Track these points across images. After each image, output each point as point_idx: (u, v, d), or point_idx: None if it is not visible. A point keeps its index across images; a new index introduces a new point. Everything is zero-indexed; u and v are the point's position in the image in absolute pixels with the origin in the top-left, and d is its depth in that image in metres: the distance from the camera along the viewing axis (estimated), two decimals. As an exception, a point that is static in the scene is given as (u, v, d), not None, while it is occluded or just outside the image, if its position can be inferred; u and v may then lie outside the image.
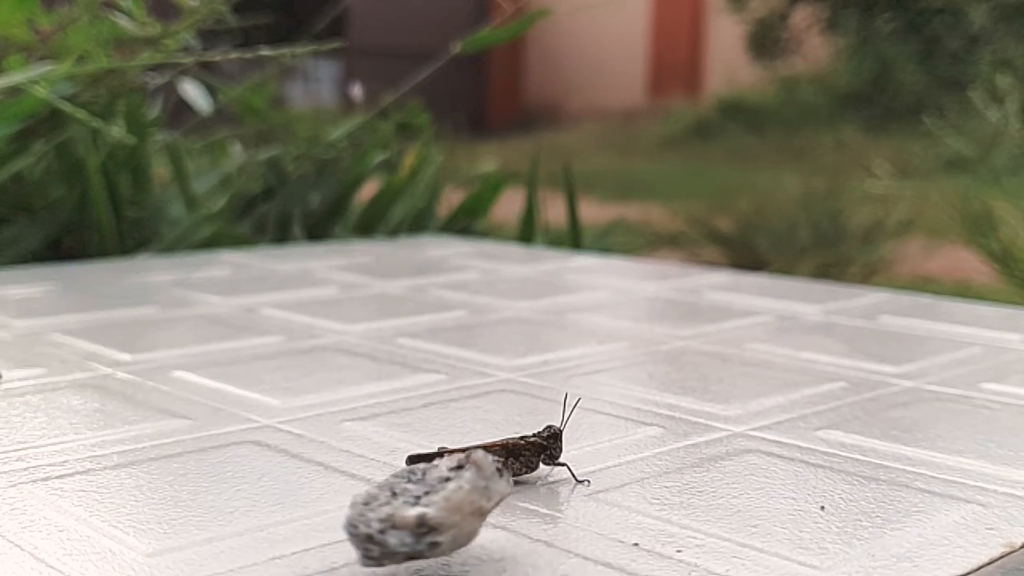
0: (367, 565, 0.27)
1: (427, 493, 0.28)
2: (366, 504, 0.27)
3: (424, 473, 0.28)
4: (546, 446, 0.34)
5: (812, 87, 4.75)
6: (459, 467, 0.28)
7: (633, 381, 0.49)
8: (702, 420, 0.43)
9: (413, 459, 0.35)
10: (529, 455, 0.34)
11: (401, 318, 0.61)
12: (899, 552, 0.30)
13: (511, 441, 0.34)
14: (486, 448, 0.34)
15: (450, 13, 5.75)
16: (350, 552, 0.30)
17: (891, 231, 1.99)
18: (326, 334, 0.57)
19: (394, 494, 0.28)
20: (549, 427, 0.35)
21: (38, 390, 0.46)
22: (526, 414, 0.43)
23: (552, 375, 0.49)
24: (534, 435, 0.34)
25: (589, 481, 0.35)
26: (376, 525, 0.27)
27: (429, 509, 0.27)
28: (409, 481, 0.28)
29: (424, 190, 1.10)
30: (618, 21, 6.22)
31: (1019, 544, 0.31)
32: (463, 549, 0.30)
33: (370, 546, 0.27)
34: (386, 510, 0.27)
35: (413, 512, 0.27)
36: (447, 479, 0.28)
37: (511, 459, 0.34)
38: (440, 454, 0.34)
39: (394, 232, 1.07)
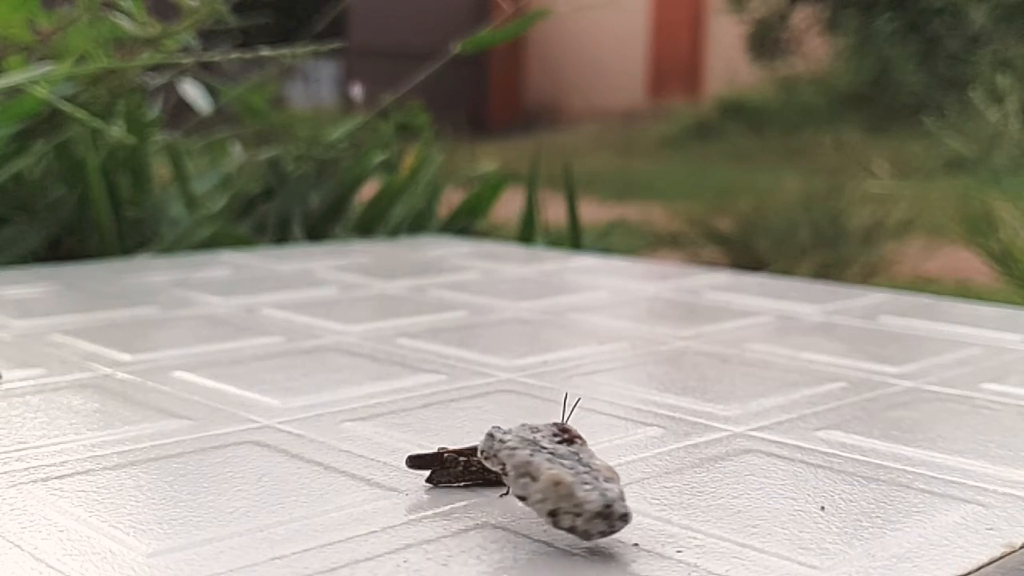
0: (592, 541, 0.29)
1: (586, 469, 0.30)
2: (590, 485, 0.29)
3: (542, 449, 0.30)
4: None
5: (812, 87, 4.75)
6: (565, 440, 0.31)
7: (633, 381, 0.49)
8: (702, 420, 0.43)
9: (414, 460, 0.35)
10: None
11: (401, 318, 0.61)
12: (899, 552, 0.30)
13: None
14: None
15: (450, 13, 5.75)
16: (350, 552, 0.30)
17: (891, 231, 1.99)
18: (326, 334, 0.57)
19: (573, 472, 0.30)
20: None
21: (38, 390, 0.46)
22: (526, 414, 0.43)
23: (552, 375, 0.49)
24: None
25: None
26: (622, 504, 0.29)
27: (618, 485, 0.30)
28: (548, 460, 0.30)
29: (424, 190, 1.10)
30: (618, 21, 6.22)
31: (1019, 544, 0.31)
32: (464, 550, 0.30)
33: (620, 523, 0.29)
34: (608, 489, 0.29)
35: (618, 488, 0.30)
36: (577, 454, 0.30)
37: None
38: (440, 454, 0.34)
39: (394, 232, 1.07)
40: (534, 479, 0.29)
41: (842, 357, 0.53)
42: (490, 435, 0.31)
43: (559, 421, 0.34)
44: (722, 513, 0.33)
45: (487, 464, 0.31)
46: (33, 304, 0.64)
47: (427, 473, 0.35)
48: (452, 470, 0.34)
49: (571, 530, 0.29)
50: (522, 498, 0.30)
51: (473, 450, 0.34)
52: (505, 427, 0.31)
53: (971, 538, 0.31)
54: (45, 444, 0.39)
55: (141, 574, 0.28)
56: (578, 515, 0.29)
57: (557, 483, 0.29)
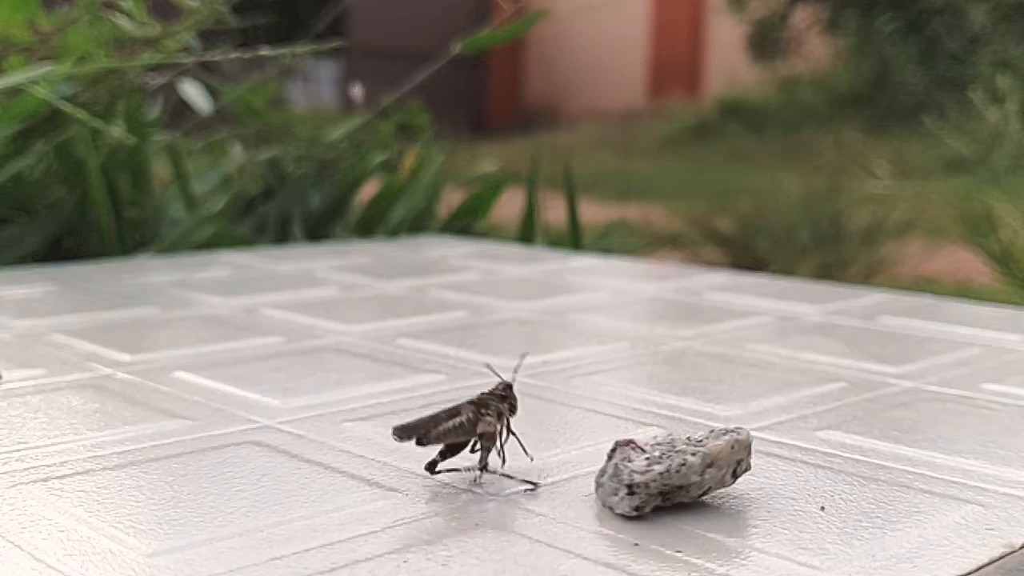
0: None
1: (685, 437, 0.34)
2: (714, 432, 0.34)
3: (677, 445, 0.33)
4: (505, 396, 0.36)
5: (812, 87, 4.75)
6: (632, 445, 0.34)
7: (633, 382, 0.49)
8: (702, 420, 0.43)
9: (400, 430, 0.35)
10: (496, 403, 0.36)
11: (401, 319, 0.61)
12: (899, 552, 0.30)
13: (476, 397, 0.36)
14: (459, 407, 0.35)
15: (450, 13, 5.75)
16: (350, 552, 0.30)
17: (891, 231, 1.99)
18: (326, 335, 0.57)
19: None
20: (500, 383, 0.36)
21: (38, 390, 0.46)
22: (526, 414, 0.43)
23: (552, 375, 0.49)
24: (491, 391, 0.36)
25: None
26: None
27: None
28: (697, 443, 0.33)
29: (424, 190, 1.10)
30: (618, 22, 6.22)
31: (1019, 544, 0.31)
32: (464, 550, 0.30)
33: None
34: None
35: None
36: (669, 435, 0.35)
37: (483, 409, 0.35)
38: (423, 426, 0.35)
39: (394, 232, 1.07)
40: (712, 464, 0.33)
41: (842, 357, 0.53)
42: (640, 485, 0.32)
43: (508, 380, 0.36)
44: (722, 513, 0.33)
45: (635, 507, 0.32)
46: (33, 304, 0.64)
47: (430, 456, 0.35)
48: (442, 427, 0.35)
49: (743, 472, 0.34)
50: (707, 492, 0.33)
51: (448, 411, 0.35)
52: (630, 472, 0.32)
53: (971, 538, 0.31)
54: (45, 444, 0.39)
55: (141, 574, 0.28)
56: (749, 455, 0.34)
57: (733, 446, 0.33)
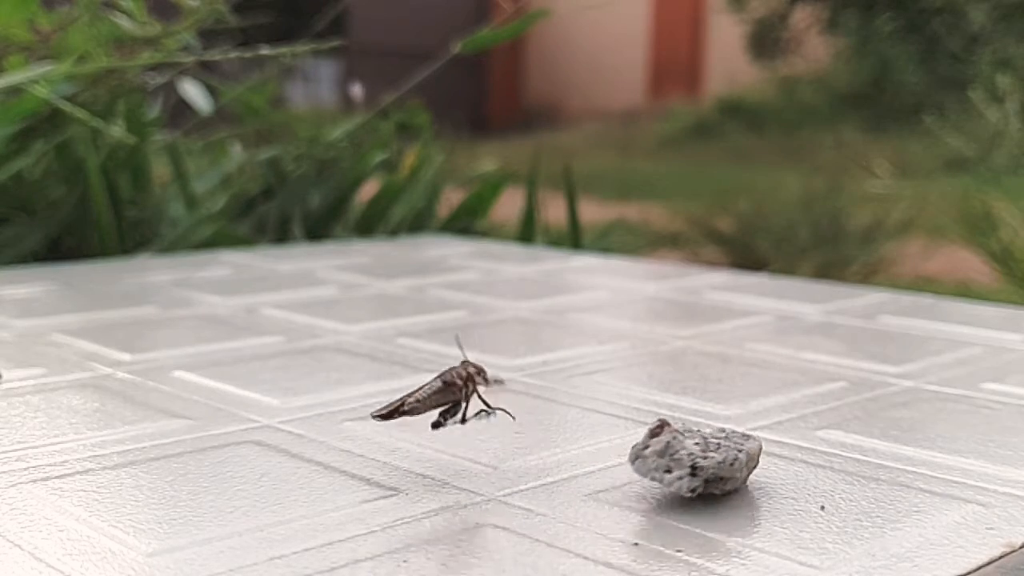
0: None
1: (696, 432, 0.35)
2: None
3: (708, 437, 0.34)
4: (466, 365, 0.37)
5: (812, 87, 4.75)
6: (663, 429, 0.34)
7: (633, 381, 0.49)
8: (702, 420, 0.43)
9: (379, 413, 0.36)
10: (460, 369, 0.37)
11: (401, 318, 0.61)
12: (899, 552, 0.30)
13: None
14: (428, 384, 0.36)
15: (450, 13, 5.75)
16: (350, 552, 0.30)
17: (891, 231, 1.99)
18: (326, 334, 0.57)
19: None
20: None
21: (38, 390, 0.46)
22: (525, 414, 0.43)
23: (552, 375, 0.49)
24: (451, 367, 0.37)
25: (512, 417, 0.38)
26: None
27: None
28: (725, 439, 0.34)
29: (424, 190, 1.10)
30: (618, 21, 6.22)
31: (1019, 544, 0.31)
32: (465, 550, 0.30)
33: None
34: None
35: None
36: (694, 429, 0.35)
37: (449, 373, 0.36)
38: (398, 400, 0.36)
39: (394, 232, 1.07)
40: (746, 465, 0.33)
41: (842, 357, 0.53)
42: (702, 469, 0.32)
43: (467, 359, 0.37)
44: (722, 513, 0.33)
45: (692, 489, 0.33)
46: (33, 304, 0.64)
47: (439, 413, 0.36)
48: (417, 394, 0.36)
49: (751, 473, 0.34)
50: (734, 489, 0.33)
51: (417, 388, 0.36)
52: (690, 454, 0.33)
53: (971, 538, 0.31)
54: (45, 444, 0.39)
55: (141, 574, 0.28)
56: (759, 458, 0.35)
57: (760, 449, 0.34)
